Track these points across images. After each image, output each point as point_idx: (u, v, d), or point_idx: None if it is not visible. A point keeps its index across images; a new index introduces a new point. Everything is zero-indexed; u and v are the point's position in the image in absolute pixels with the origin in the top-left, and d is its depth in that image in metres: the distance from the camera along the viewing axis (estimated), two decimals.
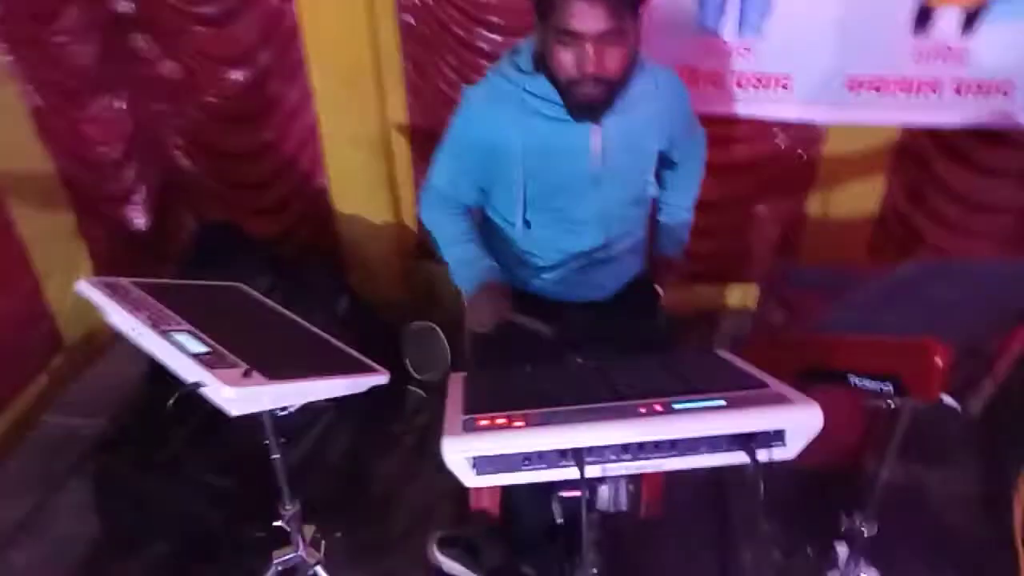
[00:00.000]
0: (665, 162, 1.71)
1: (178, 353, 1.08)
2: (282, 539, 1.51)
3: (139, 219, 2.74)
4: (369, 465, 2.22)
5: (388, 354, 2.48)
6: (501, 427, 0.97)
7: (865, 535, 1.43)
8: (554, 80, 1.42)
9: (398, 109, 2.53)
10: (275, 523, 1.45)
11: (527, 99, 1.48)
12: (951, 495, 2.05)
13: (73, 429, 2.33)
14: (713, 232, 2.51)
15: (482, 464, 0.97)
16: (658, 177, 1.68)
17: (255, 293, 1.48)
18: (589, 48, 1.33)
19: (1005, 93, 2.17)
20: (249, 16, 2.34)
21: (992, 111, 2.19)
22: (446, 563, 1.87)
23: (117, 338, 2.49)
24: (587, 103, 1.41)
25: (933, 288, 1.22)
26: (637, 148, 1.56)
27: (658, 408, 0.98)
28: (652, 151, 1.58)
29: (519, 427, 0.96)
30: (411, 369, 2.53)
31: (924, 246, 2.50)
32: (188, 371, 1.07)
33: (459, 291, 1.66)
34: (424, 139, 2.59)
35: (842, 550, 1.51)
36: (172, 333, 1.13)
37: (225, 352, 1.11)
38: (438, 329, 2.56)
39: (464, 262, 1.58)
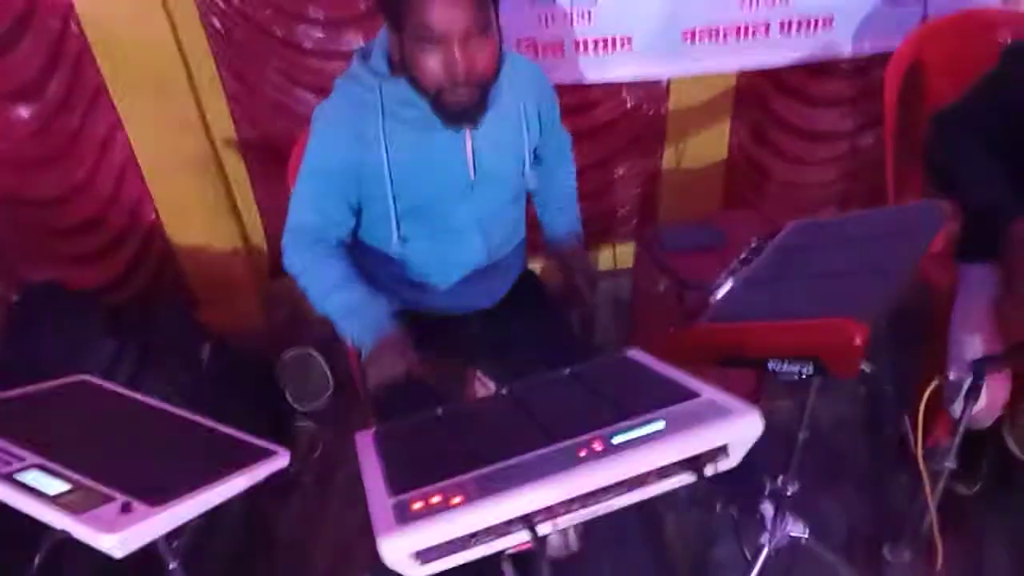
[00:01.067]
0: (536, 162, 1.62)
1: (32, 500, 0.90)
2: None
3: None
4: (269, 519, 2.05)
5: (264, 393, 2.30)
6: (439, 508, 0.87)
7: (789, 494, 1.46)
8: (420, 88, 1.29)
9: (223, 124, 2.29)
10: None
11: (387, 105, 1.34)
12: (841, 421, 2.17)
13: None
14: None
15: (426, 555, 0.87)
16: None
17: (105, 384, 1.28)
18: (456, 50, 1.21)
19: (827, 26, 2.26)
20: (27, 42, 2.00)
21: (817, 45, 2.28)
22: None
23: None
24: (461, 110, 1.29)
25: (819, 254, 1.23)
26: (509, 144, 1.47)
27: (598, 448, 0.92)
28: (523, 145, 1.49)
29: (459, 504, 0.87)
30: (293, 402, 2.35)
31: (772, 182, 2.61)
32: (52, 519, 0.89)
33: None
34: (258, 151, 2.37)
35: (767, 509, 1.55)
36: (16, 475, 0.94)
37: (91, 485, 0.93)
38: (314, 353, 2.40)
39: (352, 311, 1.36)
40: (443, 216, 1.46)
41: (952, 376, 1.40)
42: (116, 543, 0.86)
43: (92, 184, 2.29)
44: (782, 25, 2.25)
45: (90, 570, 1.60)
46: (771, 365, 1.09)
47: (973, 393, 1.37)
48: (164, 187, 2.35)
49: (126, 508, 0.90)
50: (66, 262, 2.43)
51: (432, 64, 1.23)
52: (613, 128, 2.43)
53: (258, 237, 2.59)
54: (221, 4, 2.06)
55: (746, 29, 2.25)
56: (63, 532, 0.89)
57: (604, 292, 2.77)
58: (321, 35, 2.12)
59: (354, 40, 2.15)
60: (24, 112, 2.12)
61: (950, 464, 1.46)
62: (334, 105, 1.39)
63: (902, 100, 1.93)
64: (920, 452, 1.43)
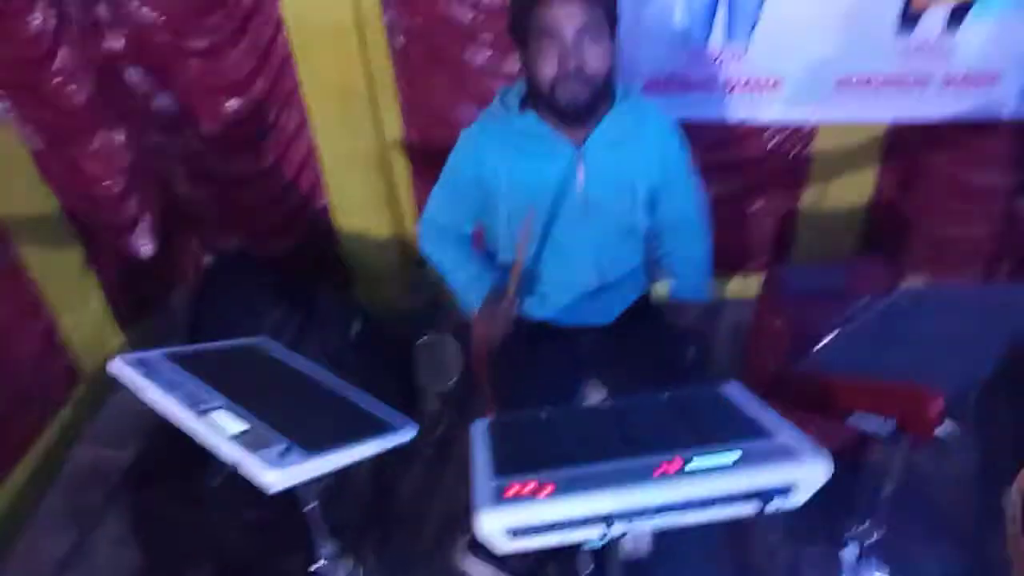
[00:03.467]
0: (661, 217, 1.74)
1: (215, 435, 1.15)
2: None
3: (145, 247, 2.77)
4: (393, 481, 2.30)
5: (401, 369, 2.55)
6: (531, 495, 1.03)
7: (872, 541, 1.51)
8: (539, 92, 1.48)
9: (394, 127, 2.56)
10: (312, 568, 1.52)
11: (513, 135, 1.55)
12: (954, 476, 2.13)
13: (101, 461, 2.41)
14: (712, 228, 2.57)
15: (516, 532, 1.04)
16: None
17: (278, 349, 1.54)
18: (569, 43, 1.39)
19: (991, 85, 2.21)
20: (242, 47, 2.35)
21: (978, 103, 2.23)
22: (475, 565, 1.95)
23: None
24: (572, 102, 1.46)
25: (920, 322, 1.28)
26: (622, 182, 1.61)
27: (674, 469, 1.05)
28: (638, 187, 1.62)
29: (548, 495, 1.03)
30: (425, 380, 2.59)
31: (915, 234, 2.56)
32: (228, 453, 1.13)
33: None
34: (421, 154, 2.62)
35: (850, 552, 1.60)
36: (209, 412, 1.19)
37: (261, 429, 1.17)
38: (450, 337, 2.63)
39: (468, 283, 1.68)
40: (555, 239, 1.64)
41: None
42: (274, 479, 1.08)
43: (278, 169, 2.63)
44: (943, 80, 2.22)
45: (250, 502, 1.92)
46: (852, 419, 1.17)
47: None
48: (337, 177, 2.66)
49: (285, 452, 1.13)
50: (248, 233, 2.81)
51: (548, 58, 1.42)
52: (755, 164, 2.48)
53: (412, 229, 2.85)
54: (406, 22, 2.31)
55: (904, 82, 2.23)
56: (233, 467, 1.13)
57: (727, 319, 2.83)
58: (489, 56, 2.33)
59: (516, 63, 2.34)
60: (234, 103, 2.49)
61: None
62: (475, 129, 1.63)
63: None
64: (1012, 530, 1.43)
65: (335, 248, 2.82)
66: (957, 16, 2.10)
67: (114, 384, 2.65)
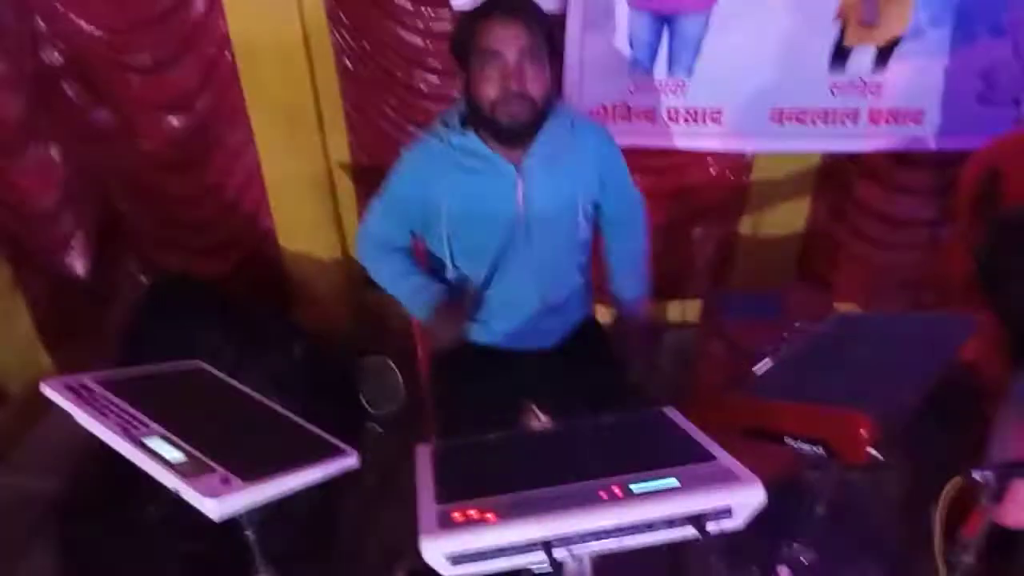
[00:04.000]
0: (604, 220, 1.79)
1: (153, 463, 1.12)
2: None
3: (78, 266, 2.68)
4: (333, 507, 2.26)
5: (343, 393, 2.53)
6: (474, 522, 1.03)
7: (806, 563, 1.55)
8: (480, 113, 1.51)
9: (340, 148, 2.55)
10: None
11: (452, 154, 1.58)
12: (883, 500, 2.21)
13: (26, 490, 2.30)
14: (652, 254, 2.62)
15: (458, 559, 1.04)
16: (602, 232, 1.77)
17: (216, 373, 1.51)
18: (511, 63, 1.44)
19: (916, 120, 2.32)
20: (184, 64, 2.32)
21: (905, 137, 2.34)
22: None
23: None
24: (512, 122, 1.49)
25: (852, 348, 1.33)
26: (561, 199, 1.63)
27: (617, 493, 1.06)
28: (576, 201, 1.65)
29: (491, 521, 1.03)
30: (367, 405, 2.57)
31: (848, 260, 2.67)
32: (166, 480, 1.11)
33: (409, 320, 1.80)
34: (367, 176, 2.61)
35: (784, 573, 1.64)
36: (144, 439, 1.16)
37: (199, 456, 1.14)
38: (390, 362, 2.61)
39: (413, 293, 1.68)
40: (497, 260, 1.65)
41: (977, 475, 1.45)
42: (215, 507, 1.06)
43: (221, 188, 2.59)
44: (871, 114, 2.32)
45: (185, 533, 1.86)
46: (788, 441, 1.21)
47: (998, 495, 1.43)
48: (281, 198, 2.63)
49: (225, 480, 1.10)
50: (189, 253, 2.75)
51: (489, 79, 1.46)
52: (695, 192, 2.55)
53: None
54: (354, 46, 2.32)
55: (834, 115, 2.33)
56: (174, 493, 1.10)
57: (670, 343, 2.89)
58: (436, 81, 2.35)
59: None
60: (175, 121, 2.44)
61: (968, 559, 1.51)
62: (415, 149, 1.65)
63: (977, 201, 1.99)
64: (938, 544, 1.49)
65: (278, 269, 2.78)
66: (884, 55, 2.21)
67: (40, 410, 2.58)
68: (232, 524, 1.41)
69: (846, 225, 2.59)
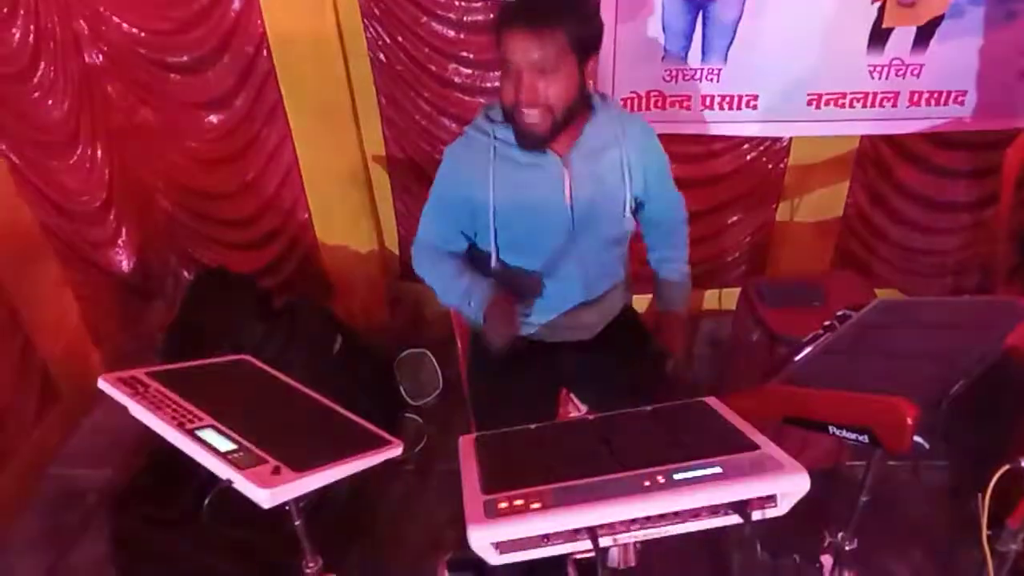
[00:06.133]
0: (645, 219, 1.78)
1: (207, 453, 1.15)
2: None
3: (123, 262, 2.75)
4: (374, 495, 2.30)
5: (382, 385, 2.56)
6: (520, 511, 1.05)
7: (847, 550, 1.55)
8: (505, 114, 1.51)
9: (375, 142, 2.58)
10: None
11: (498, 146, 1.57)
12: (925, 489, 2.19)
13: (78, 481, 2.38)
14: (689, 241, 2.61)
15: (505, 546, 1.05)
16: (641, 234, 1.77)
17: (262, 366, 1.54)
18: (524, 78, 1.43)
19: (958, 101, 2.28)
20: (223, 63, 2.36)
21: (946, 118, 2.30)
22: None
23: None
24: (527, 130, 1.50)
25: (894, 335, 1.32)
26: (607, 191, 1.62)
27: (660, 480, 1.07)
28: (622, 194, 1.64)
29: (537, 510, 1.05)
30: (405, 396, 2.60)
31: (887, 245, 2.63)
32: (219, 470, 1.14)
33: (445, 310, 1.81)
34: (401, 168, 2.64)
35: (827, 561, 1.63)
36: (197, 431, 1.20)
37: (251, 448, 1.18)
38: (428, 354, 2.64)
39: (466, 293, 1.63)
40: (542, 252, 1.65)
41: None
42: (267, 497, 1.09)
43: (260, 184, 2.64)
44: (911, 95, 2.28)
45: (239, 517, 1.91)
46: (831, 430, 1.20)
47: None
48: (318, 191, 2.67)
49: (276, 471, 1.13)
50: (229, 248, 2.81)
51: (507, 86, 1.46)
52: (731, 178, 2.53)
53: (392, 242, 2.87)
54: (387, 40, 2.34)
55: (874, 97, 2.30)
56: (227, 482, 1.14)
57: (705, 332, 2.88)
58: (469, 72, 2.36)
59: (497, 80, 2.37)
60: (214, 119, 2.49)
61: (1016, 546, 1.49)
62: (458, 146, 1.63)
63: (1020, 182, 1.95)
64: (985, 533, 1.47)
65: (316, 262, 2.82)
66: (924, 35, 2.16)
67: (91, 402, 2.66)
68: (280, 513, 1.45)
69: (885, 209, 2.55)
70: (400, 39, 2.33)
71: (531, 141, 1.52)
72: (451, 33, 2.27)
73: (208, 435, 1.20)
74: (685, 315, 1.82)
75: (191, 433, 1.19)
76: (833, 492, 1.58)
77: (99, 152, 2.54)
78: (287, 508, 1.43)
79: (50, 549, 2.17)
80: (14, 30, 2.22)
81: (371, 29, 2.33)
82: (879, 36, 2.18)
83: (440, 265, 1.70)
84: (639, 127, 1.65)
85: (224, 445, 1.17)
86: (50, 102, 2.38)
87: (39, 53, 2.29)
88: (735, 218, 2.66)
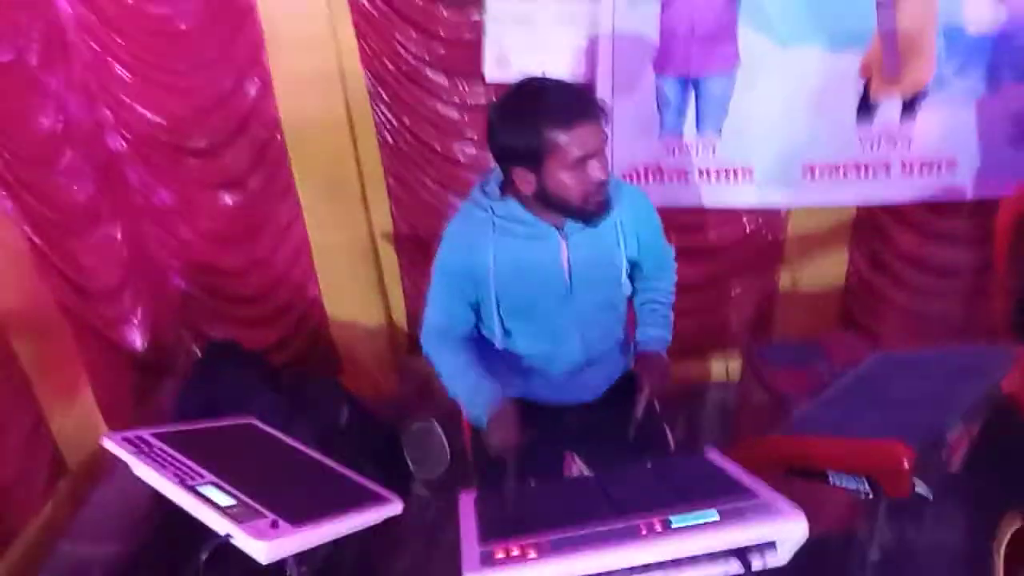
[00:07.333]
0: (635, 276, 1.81)
1: (207, 508, 1.16)
2: None
3: (136, 340, 2.81)
4: (380, 566, 2.26)
5: (389, 456, 2.55)
6: (516, 560, 1.05)
7: None
8: (566, 204, 1.53)
9: (383, 219, 2.67)
10: None
11: (496, 221, 1.62)
12: (936, 548, 2.12)
13: (85, 556, 2.36)
14: (692, 312, 2.64)
15: None
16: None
17: (266, 428, 1.57)
18: (598, 162, 1.48)
19: (949, 169, 2.33)
20: (238, 146, 2.47)
21: (939, 186, 2.35)
22: None
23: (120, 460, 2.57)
24: (601, 206, 1.55)
25: (892, 384, 1.33)
26: (604, 258, 1.67)
27: (657, 528, 1.07)
28: (619, 259, 1.69)
29: (532, 559, 1.04)
30: (412, 468, 2.59)
31: (891, 309, 2.64)
32: (218, 525, 1.15)
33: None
34: (409, 244, 2.72)
35: None
36: (198, 488, 1.21)
37: (250, 503, 1.19)
38: (436, 426, 2.64)
39: (472, 391, 1.65)
40: (543, 317, 1.69)
41: None
42: (264, 550, 1.10)
43: (270, 261, 2.72)
44: (903, 165, 2.34)
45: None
46: (831, 478, 1.20)
47: None
48: (327, 268, 2.74)
49: (275, 524, 1.14)
50: (240, 324, 2.86)
51: (579, 179, 1.49)
52: (730, 249, 2.58)
53: (401, 317, 2.92)
54: (395, 122, 2.45)
55: (867, 168, 2.36)
56: (226, 536, 1.14)
57: (714, 400, 2.87)
58: (474, 152, 2.46)
59: None
60: (229, 199, 2.59)
61: None
62: (456, 222, 1.69)
63: (1013, 247, 1.98)
64: None
65: (325, 337, 2.87)
66: (910, 106, 2.24)
67: (99, 478, 2.66)
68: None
69: (887, 275, 2.58)
70: (407, 121, 2.44)
71: (602, 215, 1.56)
72: (455, 114, 2.39)
73: (209, 491, 1.21)
74: (661, 354, 1.80)
75: (192, 489, 1.21)
76: (846, 550, 1.54)
77: (118, 233, 2.63)
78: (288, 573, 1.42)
79: None
80: (43, 119, 2.35)
81: (379, 112, 2.45)
82: (867, 107, 2.27)
83: (450, 355, 1.72)
84: (631, 193, 1.71)
85: (224, 500, 1.19)
86: (75, 187, 2.48)
87: (66, 140, 2.42)
88: (736, 289, 2.69)
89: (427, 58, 2.31)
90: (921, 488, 1.14)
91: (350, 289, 2.79)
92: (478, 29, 2.21)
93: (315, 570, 1.56)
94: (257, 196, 2.57)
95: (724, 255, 2.59)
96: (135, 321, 2.79)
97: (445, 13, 2.24)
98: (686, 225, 2.50)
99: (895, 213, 2.48)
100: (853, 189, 2.39)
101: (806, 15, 2.15)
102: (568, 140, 1.44)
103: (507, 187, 1.62)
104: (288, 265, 2.72)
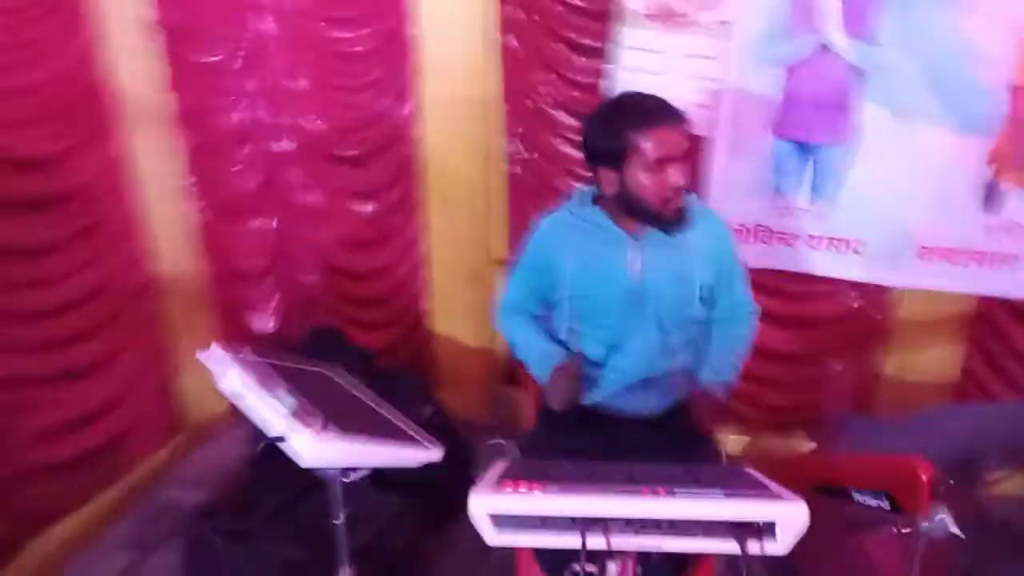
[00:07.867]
0: (712, 312, 1.84)
1: (273, 404, 1.33)
2: None
3: (267, 324, 3.12)
4: (430, 561, 2.34)
5: (462, 466, 2.65)
6: (520, 491, 1.13)
7: None
8: (643, 207, 1.65)
9: (500, 246, 2.85)
10: None
11: (580, 225, 1.76)
12: None
13: (176, 501, 2.60)
14: (786, 384, 2.59)
15: (501, 522, 1.12)
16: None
17: (348, 378, 1.74)
18: (678, 167, 1.59)
19: None
20: (384, 160, 2.77)
21: None
22: None
23: (230, 425, 2.84)
24: (677, 213, 1.66)
25: (947, 424, 1.30)
26: (680, 274, 1.74)
27: (660, 492, 1.11)
28: (695, 278, 1.74)
29: (536, 493, 1.12)
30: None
31: None
32: (277, 422, 1.31)
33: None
34: None
35: None
36: (274, 390, 1.38)
37: (311, 408, 1.34)
38: (513, 447, 2.71)
39: (540, 353, 1.81)
40: (612, 325, 1.77)
41: None
42: (309, 442, 1.24)
43: (391, 270, 2.96)
44: None
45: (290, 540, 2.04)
46: (854, 496, 1.19)
47: None
48: (442, 285, 2.95)
49: (324, 426, 1.28)
50: (353, 324, 3.09)
51: (657, 182, 1.60)
52: (833, 322, 2.53)
53: (502, 345, 3.04)
54: (526, 155, 2.66)
55: (990, 257, 2.28)
56: (279, 438, 1.30)
57: None
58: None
59: None
60: (368, 207, 2.88)
61: None
62: (546, 219, 1.85)
63: None
64: None
65: (428, 350, 3.05)
66: None
67: (206, 437, 2.94)
68: (330, 536, 1.57)
69: (1002, 376, 2.42)
70: (536, 156, 2.65)
71: (678, 222, 1.67)
72: (574, 153, 2.56)
73: (280, 395, 1.38)
74: (721, 398, 1.81)
75: (268, 390, 1.38)
76: None
77: (274, 223, 2.98)
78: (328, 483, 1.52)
79: (135, 551, 2.37)
80: (234, 114, 2.76)
81: (514, 144, 2.67)
82: (995, 195, 2.21)
83: (520, 327, 1.90)
84: (712, 219, 1.78)
85: (288, 402, 1.35)
86: (247, 177, 2.87)
87: (247, 136, 2.81)
88: (838, 367, 2.61)
89: (560, 99, 2.52)
90: (949, 522, 1.11)
91: (459, 309, 2.97)
92: (609, 76, 2.40)
93: (358, 545, 1.66)
94: (391, 208, 2.84)
95: (824, 328, 2.54)
96: (271, 306, 3.11)
97: (583, 60, 2.45)
98: (789, 292, 2.50)
99: (1016, 309, 2.35)
100: (971, 278, 2.31)
101: (935, 94, 2.16)
102: (647, 141, 1.56)
103: (597, 196, 1.75)
104: (406, 277, 2.95)
